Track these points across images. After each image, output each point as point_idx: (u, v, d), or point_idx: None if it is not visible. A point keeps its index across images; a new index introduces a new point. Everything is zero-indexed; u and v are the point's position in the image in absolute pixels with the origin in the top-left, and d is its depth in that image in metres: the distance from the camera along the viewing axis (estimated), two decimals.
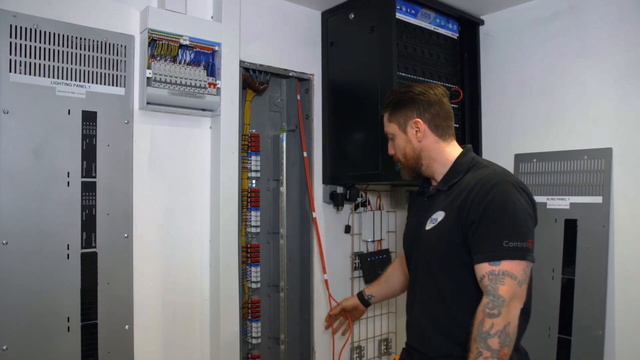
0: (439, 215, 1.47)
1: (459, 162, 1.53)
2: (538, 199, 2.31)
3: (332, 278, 2.51)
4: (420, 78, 2.30)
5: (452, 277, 1.44)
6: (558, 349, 2.20)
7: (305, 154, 2.43)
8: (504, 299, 1.29)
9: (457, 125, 2.45)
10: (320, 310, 2.45)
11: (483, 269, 1.33)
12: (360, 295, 2.00)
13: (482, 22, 2.58)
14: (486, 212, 1.35)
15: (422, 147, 1.55)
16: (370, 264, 2.63)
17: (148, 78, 1.86)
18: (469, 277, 1.40)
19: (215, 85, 2.03)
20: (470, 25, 2.56)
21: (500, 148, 2.50)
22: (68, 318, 1.75)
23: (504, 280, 1.30)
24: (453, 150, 1.56)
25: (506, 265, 1.31)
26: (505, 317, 1.28)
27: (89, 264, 1.79)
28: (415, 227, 1.58)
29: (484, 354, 1.28)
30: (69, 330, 1.75)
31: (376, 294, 1.99)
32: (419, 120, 1.54)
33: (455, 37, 2.53)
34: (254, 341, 2.30)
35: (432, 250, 1.48)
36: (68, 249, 1.75)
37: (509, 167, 2.46)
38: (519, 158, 2.42)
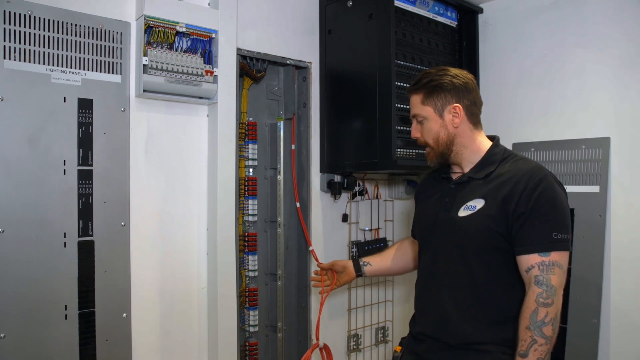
0: (478, 203, 1.47)
1: (492, 152, 1.54)
2: None
3: None
4: (419, 66, 2.29)
5: (487, 264, 1.46)
6: None
7: (293, 147, 2.42)
8: (556, 288, 1.35)
9: None
10: (317, 298, 2.45)
11: (532, 259, 1.38)
12: (355, 260, 1.93)
13: (481, 10, 2.57)
14: (536, 205, 1.39)
15: (456, 133, 1.54)
16: (367, 253, 2.63)
17: (144, 65, 1.85)
18: (503, 265, 1.45)
19: (212, 72, 2.01)
20: (469, 13, 2.55)
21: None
22: (65, 306, 1.75)
23: (554, 270, 1.36)
24: (484, 139, 1.57)
25: (555, 256, 1.37)
26: (556, 305, 1.35)
27: (86, 252, 1.79)
28: (439, 212, 1.57)
29: (539, 342, 1.33)
30: (66, 318, 1.75)
31: (374, 264, 1.91)
32: (459, 105, 1.52)
33: (454, 26, 2.51)
34: (252, 329, 2.31)
35: (469, 236, 1.47)
36: (65, 237, 1.75)
37: None
38: (517, 147, 2.42)
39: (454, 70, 1.55)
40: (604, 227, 2.13)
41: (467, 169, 1.56)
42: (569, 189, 2.23)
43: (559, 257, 1.37)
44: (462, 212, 1.49)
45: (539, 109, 2.39)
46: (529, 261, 1.38)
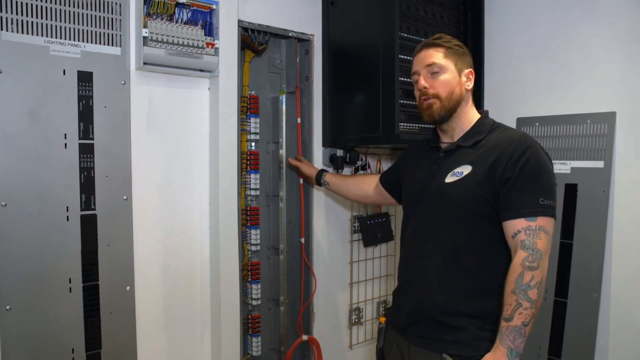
0: (465, 169, 1.50)
1: (482, 122, 1.59)
2: None
3: (332, 241, 2.53)
4: (423, 39, 2.24)
5: (471, 232, 1.49)
6: (554, 311, 2.23)
7: (299, 120, 2.40)
8: (541, 252, 1.37)
9: None
10: (319, 272, 2.47)
11: (519, 224, 1.40)
12: (320, 173, 2.25)
13: None
14: (523, 171, 1.41)
15: (464, 97, 1.59)
16: (369, 227, 2.64)
17: (144, 37, 1.82)
18: (487, 234, 1.47)
19: (213, 45, 1.98)
20: None
21: (503, 111, 2.47)
22: (70, 279, 1.76)
23: (540, 235, 1.38)
24: (475, 112, 1.63)
25: (542, 221, 1.39)
26: (542, 269, 1.37)
27: (88, 226, 1.79)
28: (427, 179, 1.60)
29: (524, 305, 1.34)
30: (70, 291, 1.76)
31: (332, 186, 2.22)
32: (473, 72, 1.60)
33: None
34: (254, 302, 2.33)
35: (455, 202, 1.50)
36: (67, 211, 1.75)
37: None
38: (522, 122, 2.40)
39: None
40: (607, 202, 2.12)
41: (456, 138, 1.60)
42: (573, 164, 2.22)
43: (545, 223, 1.39)
44: (449, 179, 1.53)
45: (544, 83, 2.35)
46: (515, 226, 1.41)
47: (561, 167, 2.24)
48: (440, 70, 1.56)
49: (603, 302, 2.14)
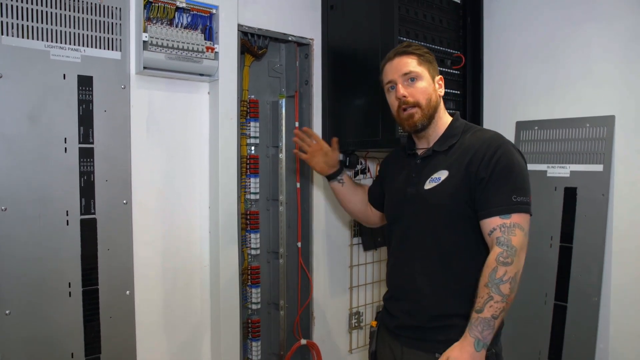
0: (442, 174, 1.53)
1: (454, 125, 1.62)
2: (538, 166, 2.31)
3: (331, 245, 2.53)
4: (422, 43, 2.25)
5: (455, 233, 1.51)
6: (554, 315, 2.23)
7: (297, 124, 2.40)
8: (516, 249, 1.39)
9: (459, 92, 2.42)
10: (319, 276, 2.47)
11: (494, 222, 1.43)
12: (340, 170, 1.97)
13: None
14: (496, 170, 1.44)
15: (439, 102, 1.62)
16: (369, 231, 2.64)
17: (144, 42, 1.82)
18: (470, 233, 1.50)
19: (213, 49, 1.99)
20: None
21: (502, 115, 2.48)
22: (69, 283, 1.76)
23: (514, 232, 1.40)
24: (448, 116, 1.66)
25: (516, 218, 1.41)
26: (516, 265, 1.39)
27: (88, 230, 1.79)
28: (407, 188, 1.61)
29: (495, 298, 1.36)
30: (70, 296, 1.76)
31: (346, 187, 1.98)
32: (442, 78, 1.62)
33: (459, 1, 2.46)
34: (254, 307, 2.33)
35: (436, 207, 1.52)
36: (67, 215, 1.75)
37: (511, 134, 2.44)
38: (521, 125, 2.40)
39: None
40: (606, 206, 2.13)
41: (432, 143, 1.62)
42: (572, 167, 2.23)
43: (519, 219, 1.42)
44: (428, 185, 1.55)
45: (543, 86, 2.36)
46: (491, 224, 1.43)
47: (560, 171, 2.25)
48: (417, 77, 1.57)
49: (603, 306, 2.14)
